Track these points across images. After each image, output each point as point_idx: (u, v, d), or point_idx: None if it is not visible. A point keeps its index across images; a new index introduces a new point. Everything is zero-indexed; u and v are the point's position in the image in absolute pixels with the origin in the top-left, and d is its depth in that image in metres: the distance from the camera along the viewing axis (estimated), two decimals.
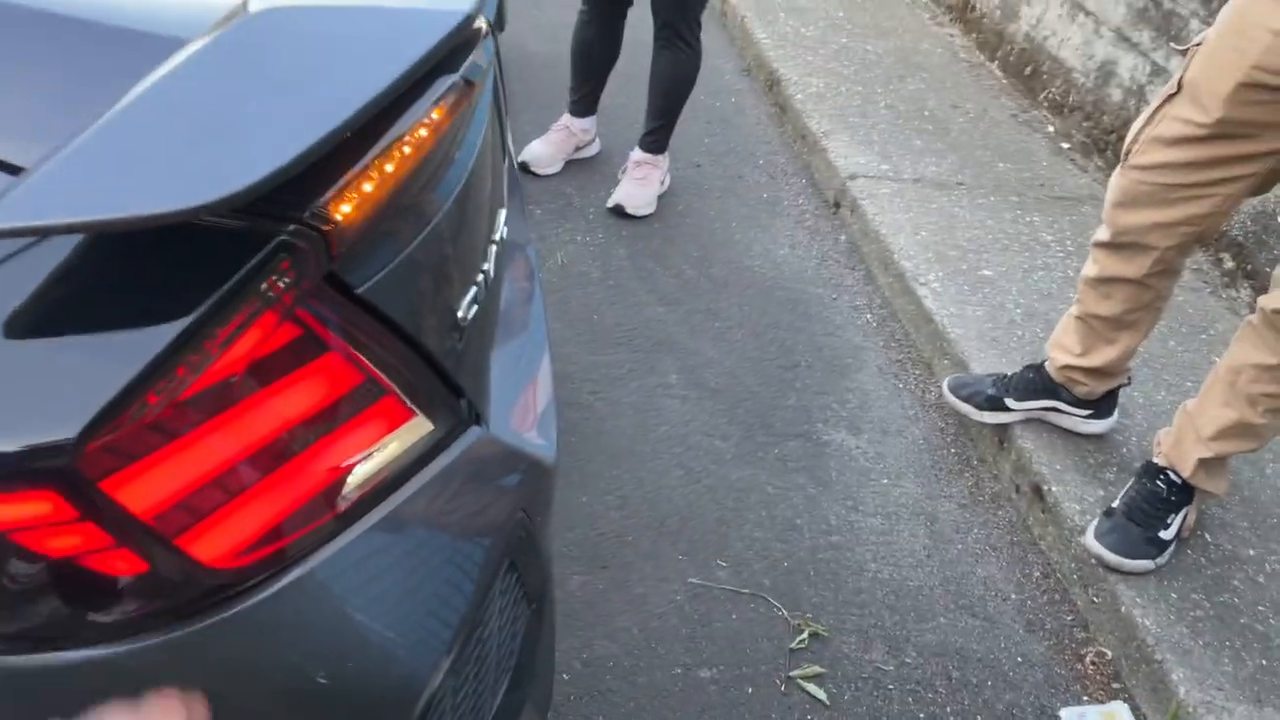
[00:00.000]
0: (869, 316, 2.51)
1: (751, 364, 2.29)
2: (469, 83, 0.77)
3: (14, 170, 0.55)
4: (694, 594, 1.74)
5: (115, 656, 0.64)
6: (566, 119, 2.80)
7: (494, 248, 0.96)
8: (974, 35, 3.83)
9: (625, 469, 1.96)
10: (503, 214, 1.03)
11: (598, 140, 2.90)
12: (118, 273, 0.60)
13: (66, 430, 0.56)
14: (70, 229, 0.52)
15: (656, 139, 2.71)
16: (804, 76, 3.38)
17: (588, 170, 2.83)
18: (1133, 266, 1.78)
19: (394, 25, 0.66)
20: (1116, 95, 3.06)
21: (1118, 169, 1.77)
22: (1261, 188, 1.68)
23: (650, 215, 2.72)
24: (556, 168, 2.79)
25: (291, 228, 0.64)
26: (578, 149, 2.84)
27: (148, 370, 0.58)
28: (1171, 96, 1.65)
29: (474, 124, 0.89)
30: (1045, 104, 3.38)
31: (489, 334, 1.02)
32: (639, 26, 2.66)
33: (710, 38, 3.57)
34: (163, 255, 0.62)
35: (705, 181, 2.95)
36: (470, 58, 0.76)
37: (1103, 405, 1.99)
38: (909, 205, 2.75)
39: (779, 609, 1.73)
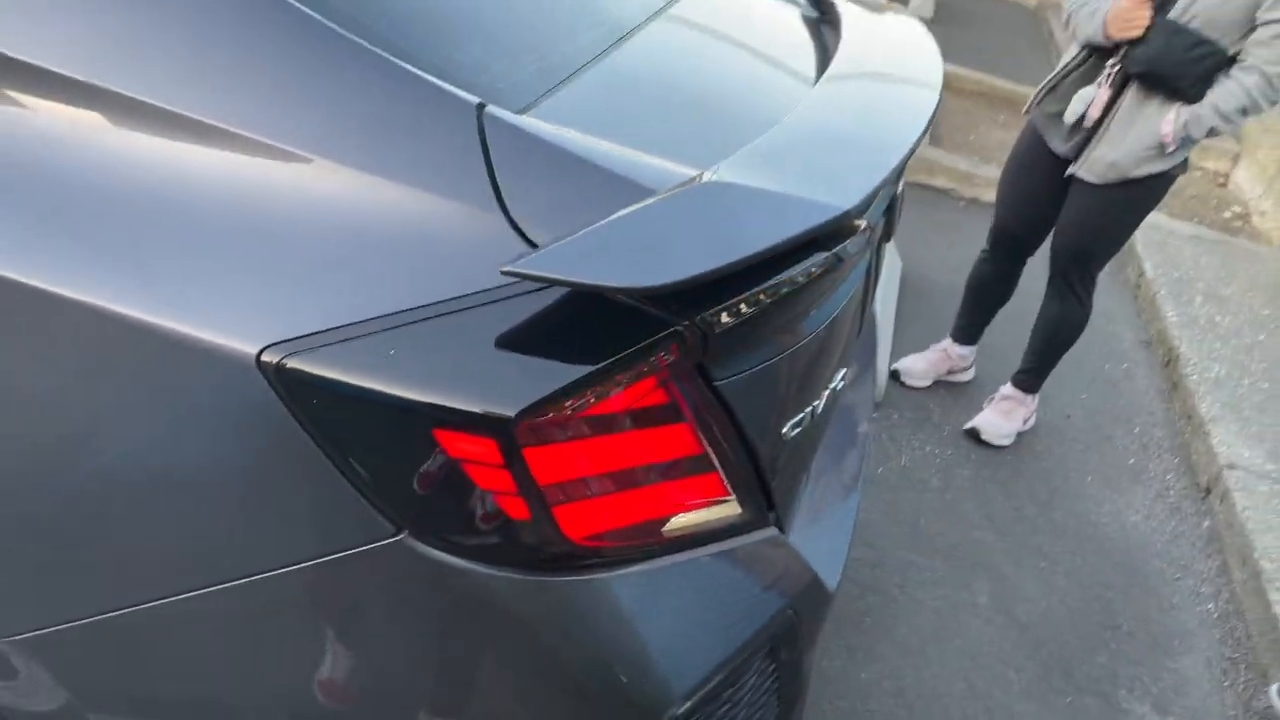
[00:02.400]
0: (1211, 606, 2.40)
1: (1069, 612, 2.28)
2: (839, 259, 1.03)
3: (533, 245, 0.87)
4: None
5: (485, 576, 0.93)
6: (947, 342, 2.99)
7: (827, 393, 1.19)
8: None
9: (910, 664, 2.04)
10: (843, 372, 1.26)
11: (973, 369, 3.05)
12: (575, 316, 0.90)
13: (513, 406, 0.86)
14: (555, 283, 0.83)
15: (1028, 378, 2.81)
16: (1205, 360, 3.32)
17: (955, 393, 2.99)
18: None
19: (789, 207, 0.94)
20: None
21: None
22: None
23: (1005, 448, 2.80)
24: (926, 383, 2.97)
25: (685, 323, 0.92)
26: (951, 372, 3.01)
27: (572, 385, 0.88)
28: None
29: (837, 295, 1.15)
30: None
31: (806, 465, 1.24)
32: (1036, 271, 2.82)
33: (1116, 302, 3.64)
34: (605, 313, 0.91)
35: (1072, 433, 2.98)
36: (845, 242, 1.02)
37: None
38: None
39: None
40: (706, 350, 0.95)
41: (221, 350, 0.86)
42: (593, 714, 1.02)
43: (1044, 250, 2.75)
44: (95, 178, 0.90)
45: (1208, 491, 2.78)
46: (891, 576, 2.26)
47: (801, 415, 1.13)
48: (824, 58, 1.42)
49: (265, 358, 0.86)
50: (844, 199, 0.97)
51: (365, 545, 0.91)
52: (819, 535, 1.30)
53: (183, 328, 0.86)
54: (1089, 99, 2.38)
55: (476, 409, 0.86)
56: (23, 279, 0.87)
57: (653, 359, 0.92)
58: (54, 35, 0.92)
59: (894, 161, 1.06)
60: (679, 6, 1.41)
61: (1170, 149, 2.33)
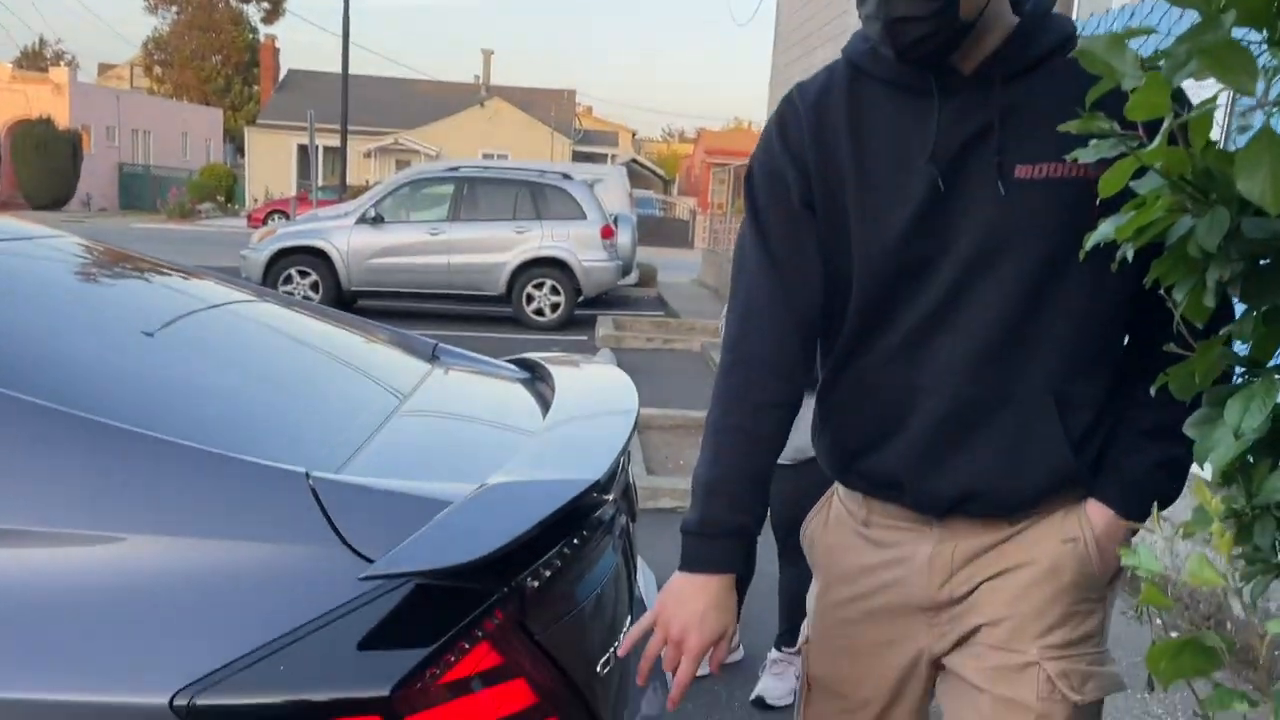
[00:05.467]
0: None
1: None
2: (600, 521, 1.37)
3: (368, 560, 1.14)
4: None
5: None
6: None
7: (617, 641, 1.47)
8: None
9: None
10: (628, 620, 1.55)
11: (741, 648, 3.38)
12: (419, 605, 1.16)
13: (386, 684, 1.08)
14: (404, 576, 1.11)
15: (788, 637, 3.17)
16: None
17: (733, 671, 3.28)
18: None
19: (556, 487, 1.28)
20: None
21: None
22: None
23: (789, 704, 3.09)
24: (706, 670, 3.25)
25: (506, 589, 1.20)
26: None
27: (427, 659, 1.12)
28: (807, 694, 1.58)
29: (606, 559, 1.46)
30: None
31: (626, 702, 1.49)
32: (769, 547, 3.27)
33: None
34: (441, 597, 1.17)
35: None
36: (601, 509, 1.37)
37: None
38: None
39: None
40: (525, 609, 1.23)
41: (138, 705, 1.04)
42: None
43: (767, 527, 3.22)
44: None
45: None
46: None
47: (607, 655, 1.40)
48: (547, 398, 1.83)
49: (177, 701, 1.04)
50: (592, 474, 1.33)
51: None
52: None
53: (102, 696, 1.04)
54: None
55: (361, 694, 1.09)
56: None
57: (484, 625, 1.18)
58: None
59: (619, 445, 1.44)
60: (420, 393, 1.79)
61: None
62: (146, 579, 1.12)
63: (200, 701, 1.05)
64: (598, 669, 1.37)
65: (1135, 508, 1.31)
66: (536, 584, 1.24)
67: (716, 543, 1.37)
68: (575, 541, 1.32)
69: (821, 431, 1.52)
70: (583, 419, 1.69)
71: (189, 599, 1.11)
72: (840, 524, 1.54)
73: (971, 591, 1.39)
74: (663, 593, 1.36)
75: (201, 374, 1.57)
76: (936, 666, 1.46)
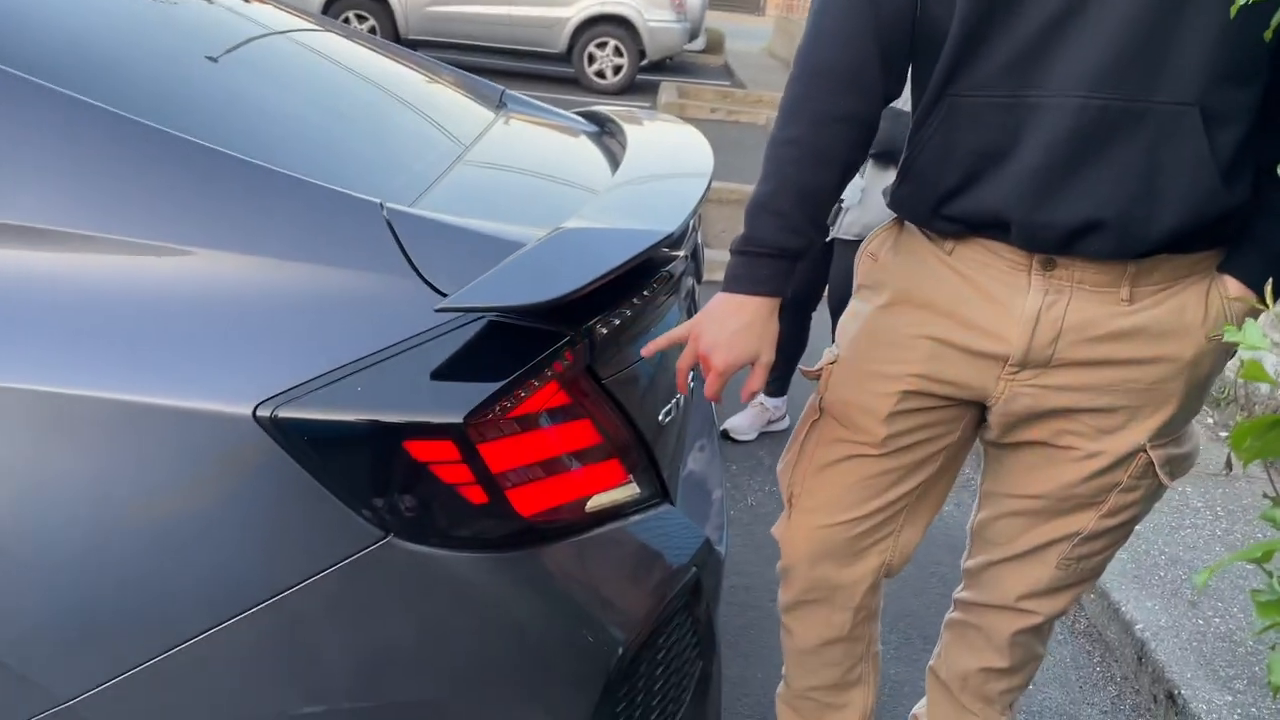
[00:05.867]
0: None
1: (914, 591, 2.64)
2: (671, 274, 1.35)
3: (441, 293, 1.15)
4: None
5: (458, 559, 1.16)
6: (761, 398, 3.39)
7: (679, 395, 1.49)
8: None
9: None
10: (691, 374, 1.58)
11: (788, 417, 3.45)
12: (492, 341, 1.17)
13: (460, 412, 1.11)
14: (478, 311, 1.12)
15: None
16: None
17: (777, 439, 3.37)
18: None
19: (632, 237, 1.26)
20: (1264, 387, 3.37)
21: (785, 520, 1.65)
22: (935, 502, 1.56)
23: None
24: (752, 436, 3.35)
25: (573, 333, 1.21)
26: (770, 423, 3.40)
27: (499, 391, 1.14)
28: (815, 422, 1.54)
29: (671, 313, 1.46)
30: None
31: (682, 452, 1.53)
32: (824, 324, 3.28)
33: None
34: (513, 335, 1.19)
35: None
36: (671, 263, 1.36)
37: None
38: None
39: None
40: (593, 355, 1.24)
41: (222, 414, 1.08)
42: (558, 663, 1.25)
43: (823, 306, 3.22)
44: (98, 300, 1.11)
45: None
46: (763, 595, 2.55)
47: (669, 405, 1.43)
48: (617, 153, 1.78)
49: (260, 412, 1.08)
50: (667, 227, 1.30)
51: (362, 551, 1.12)
52: (704, 511, 1.59)
53: (187, 402, 1.08)
54: (859, 185, 2.88)
55: (434, 419, 1.12)
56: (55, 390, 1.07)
57: (554, 365, 1.19)
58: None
59: (694, 200, 1.41)
60: (489, 137, 1.75)
61: None
62: (221, 293, 1.13)
63: (282, 414, 1.09)
64: (659, 419, 1.39)
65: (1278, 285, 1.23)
66: (606, 331, 1.25)
67: (759, 262, 1.31)
68: (645, 293, 1.31)
69: (905, 178, 1.34)
70: (656, 173, 1.65)
71: (266, 315, 1.13)
72: (916, 246, 1.36)
73: (1085, 365, 1.27)
74: (703, 309, 1.35)
75: (268, 101, 1.54)
76: (980, 417, 1.40)
